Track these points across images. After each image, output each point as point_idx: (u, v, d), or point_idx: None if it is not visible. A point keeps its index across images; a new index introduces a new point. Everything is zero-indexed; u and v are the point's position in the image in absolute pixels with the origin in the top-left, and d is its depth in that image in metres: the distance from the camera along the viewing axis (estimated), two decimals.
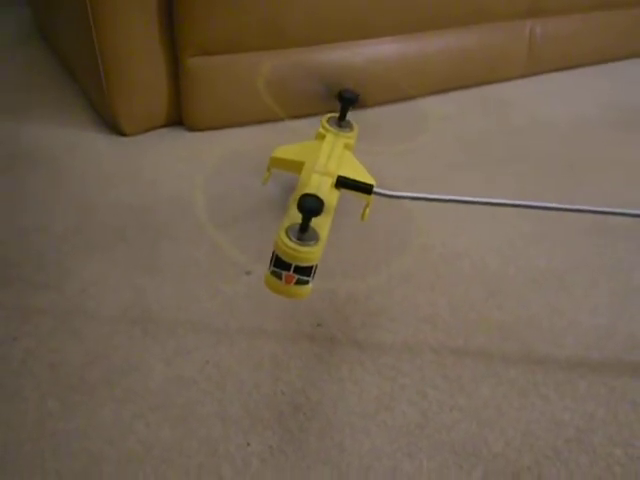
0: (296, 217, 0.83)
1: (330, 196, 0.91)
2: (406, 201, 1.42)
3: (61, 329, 1.09)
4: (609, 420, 1.00)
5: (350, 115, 1.14)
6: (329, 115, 1.06)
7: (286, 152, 1.03)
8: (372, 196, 0.99)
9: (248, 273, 1.22)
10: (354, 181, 0.96)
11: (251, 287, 1.19)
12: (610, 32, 2.15)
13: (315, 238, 0.83)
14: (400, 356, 1.08)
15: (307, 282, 0.84)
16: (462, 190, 1.50)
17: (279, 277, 0.83)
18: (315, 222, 0.83)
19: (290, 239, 0.81)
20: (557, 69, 2.09)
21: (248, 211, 1.39)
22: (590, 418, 1.01)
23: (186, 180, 1.48)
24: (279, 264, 0.82)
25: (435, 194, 1.08)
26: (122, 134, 1.61)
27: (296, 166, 0.98)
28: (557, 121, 1.84)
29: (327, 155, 0.97)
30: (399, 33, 1.81)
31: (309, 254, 0.81)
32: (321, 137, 1.04)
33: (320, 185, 0.91)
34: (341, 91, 1.05)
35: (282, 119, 1.65)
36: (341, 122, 1.07)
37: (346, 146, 1.03)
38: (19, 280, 1.18)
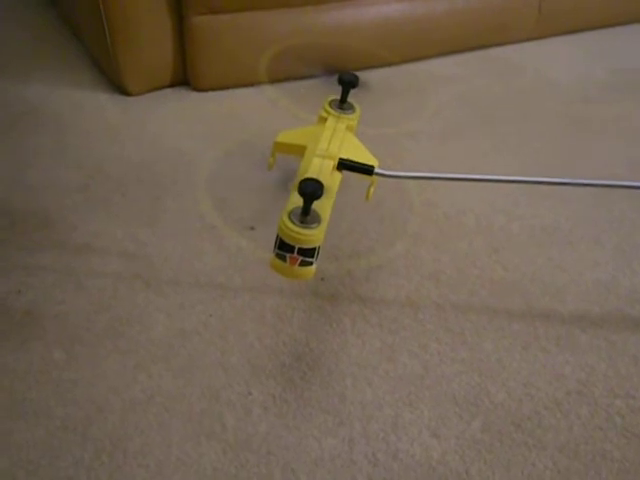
0: (298, 201, 0.83)
1: (332, 178, 0.92)
2: (411, 161, 1.43)
3: (65, 282, 1.10)
4: (610, 373, 1.01)
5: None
6: (331, 98, 1.06)
7: (289, 137, 1.03)
8: (375, 177, 0.99)
9: (252, 228, 1.22)
10: (355, 163, 0.96)
11: (255, 242, 1.19)
12: None
13: (317, 220, 0.84)
14: (402, 310, 1.09)
15: (311, 263, 0.85)
16: (467, 148, 1.51)
17: (284, 259, 0.84)
18: (317, 204, 0.84)
19: (293, 222, 0.82)
20: (565, 32, 2.07)
21: (251, 170, 1.39)
22: (591, 371, 1.01)
23: (190, 138, 1.48)
24: (283, 247, 0.83)
25: (436, 173, 1.09)
26: (127, 94, 1.61)
27: (299, 150, 0.99)
28: (563, 83, 1.83)
29: (328, 138, 0.98)
30: None
31: (311, 236, 0.83)
32: (323, 120, 1.04)
33: (322, 168, 0.91)
34: (341, 74, 1.05)
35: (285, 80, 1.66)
36: (343, 104, 1.07)
37: (348, 128, 1.03)
38: (24, 235, 1.18)
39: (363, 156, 1.00)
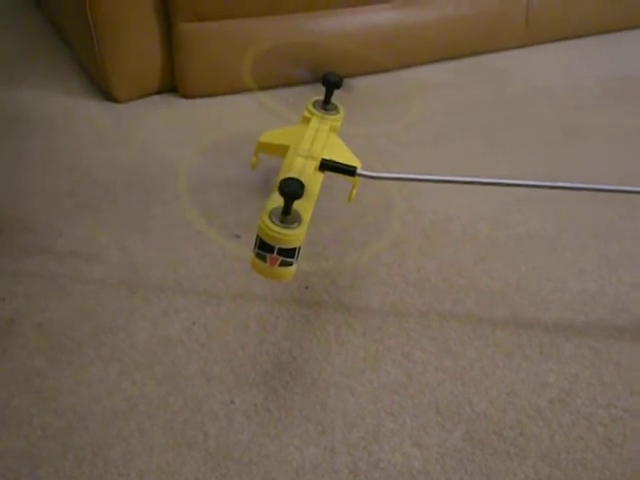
0: (279, 200, 0.83)
1: (314, 179, 0.92)
2: (399, 167, 1.43)
3: (50, 289, 1.10)
4: (593, 381, 1.01)
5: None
6: (315, 98, 1.06)
7: (272, 137, 1.03)
8: (358, 178, 0.99)
9: (237, 236, 1.22)
10: (338, 164, 0.96)
11: (240, 250, 1.19)
12: (608, 2, 2.13)
13: (298, 220, 0.84)
14: (387, 318, 1.09)
15: (291, 264, 0.85)
16: (456, 155, 1.52)
17: (264, 259, 0.84)
18: (298, 204, 0.84)
19: (273, 222, 0.82)
20: (555, 39, 2.08)
21: (239, 177, 1.39)
22: (574, 379, 1.01)
23: (178, 145, 1.48)
24: (263, 247, 0.83)
25: (419, 174, 1.08)
26: (115, 100, 1.61)
27: (282, 150, 0.98)
28: (554, 90, 1.83)
29: (311, 139, 0.97)
30: (395, 0, 1.79)
31: (292, 236, 0.83)
32: (306, 121, 1.04)
33: (304, 168, 0.91)
34: (325, 75, 1.05)
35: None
36: (326, 105, 1.07)
37: (332, 129, 1.03)
38: (9, 242, 1.18)
39: (346, 157, 1.00)
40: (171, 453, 0.87)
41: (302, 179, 0.84)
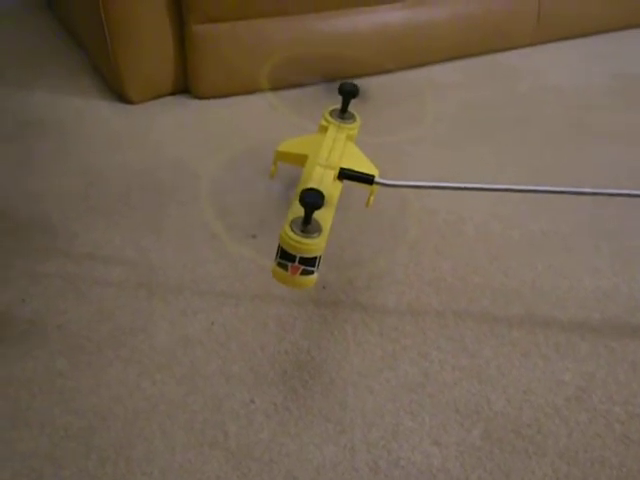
0: (299, 210, 0.84)
1: (332, 188, 0.93)
2: (412, 167, 1.44)
3: (68, 291, 1.11)
4: (609, 380, 1.01)
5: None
6: (331, 107, 1.07)
7: (290, 146, 1.04)
8: (375, 185, 1.00)
9: (254, 236, 1.23)
10: (356, 172, 0.97)
11: (257, 250, 1.20)
12: (618, 0, 2.13)
13: (318, 230, 0.85)
14: (403, 318, 1.09)
15: (312, 272, 0.86)
16: (468, 154, 1.52)
17: (285, 268, 0.85)
18: (318, 214, 0.85)
19: (294, 232, 0.83)
20: (566, 37, 2.08)
21: (254, 177, 1.40)
22: (590, 378, 1.02)
23: (192, 146, 1.49)
24: (284, 256, 0.84)
25: (437, 182, 1.08)
26: (129, 102, 1.62)
27: (300, 159, 1.00)
28: (563, 89, 1.84)
29: (329, 148, 0.98)
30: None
31: (312, 245, 0.84)
32: (323, 129, 1.05)
33: (323, 178, 0.92)
34: (341, 84, 1.06)
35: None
36: (343, 114, 1.08)
37: (348, 137, 1.04)
38: (27, 244, 1.19)
39: (364, 165, 1.00)
40: (193, 452, 0.88)
41: (321, 189, 0.86)
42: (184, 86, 1.68)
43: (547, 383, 1.00)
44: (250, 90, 1.69)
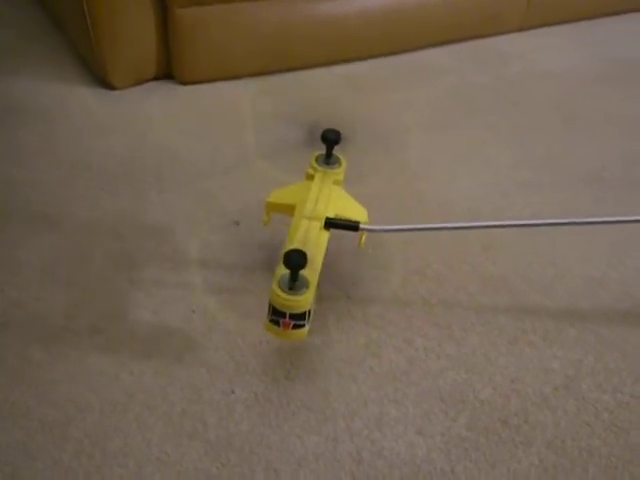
0: (286, 269, 0.87)
1: (319, 238, 0.96)
2: (401, 152, 1.42)
3: (46, 279, 1.09)
4: (598, 367, 1.00)
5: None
6: (317, 154, 1.08)
7: (279, 196, 1.05)
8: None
9: (237, 223, 1.21)
10: (341, 221, 0.99)
11: (239, 237, 1.18)
12: None
13: (306, 285, 0.87)
14: (389, 305, 1.07)
15: (303, 326, 0.88)
16: (458, 139, 1.50)
17: (277, 324, 0.88)
18: (306, 270, 0.87)
19: (282, 290, 0.86)
20: (556, 22, 2.05)
21: (237, 164, 1.38)
22: (579, 365, 1.00)
23: (175, 132, 1.46)
24: (275, 313, 0.87)
25: (423, 224, 1.11)
26: (112, 87, 1.59)
27: (289, 209, 1.02)
28: (553, 74, 1.81)
29: (315, 198, 1.01)
30: None
31: (300, 302, 0.86)
32: (310, 177, 1.07)
33: (308, 231, 0.95)
34: (324, 132, 1.07)
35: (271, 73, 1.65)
36: (328, 160, 1.09)
37: (335, 182, 1.06)
38: (7, 232, 1.17)
39: (351, 210, 1.03)
40: (170, 443, 0.86)
41: (307, 243, 0.91)
42: (168, 71, 1.64)
43: (535, 371, 0.99)
44: (235, 75, 1.66)
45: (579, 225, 1.12)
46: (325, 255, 0.95)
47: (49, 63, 1.72)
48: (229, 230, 1.19)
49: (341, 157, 1.08)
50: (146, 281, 1.09)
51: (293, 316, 0.87)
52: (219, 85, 1.64)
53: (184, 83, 1.64)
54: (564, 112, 1.63)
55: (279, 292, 0.86)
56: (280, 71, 1.70)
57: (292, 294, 0.86)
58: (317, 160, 1.07)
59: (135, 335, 1.00)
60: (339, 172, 1.06)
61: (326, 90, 1.67)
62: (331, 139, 1.05)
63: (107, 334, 1.00)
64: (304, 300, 0.86)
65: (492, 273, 1.14)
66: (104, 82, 1.59)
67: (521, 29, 2.00)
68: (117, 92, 1.59)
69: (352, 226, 0.99)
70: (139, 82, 1.62)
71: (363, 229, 0.99)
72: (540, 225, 1.12)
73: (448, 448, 0.87)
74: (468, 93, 1.70)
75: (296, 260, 0.85)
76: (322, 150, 1.08)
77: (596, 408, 0.94)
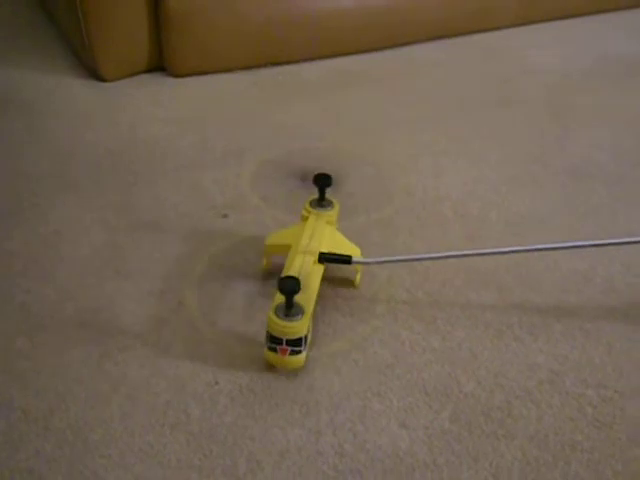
0: (282, 297, 0.91)
1: (313, 271, 1.00)
2: (390, 147, 1.42)
3: (33, 270, 1.09)
4: (583, 362, 1.00)
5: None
6: (311, 198, 1.13)
7: (276, 238, 1.10)
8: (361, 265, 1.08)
9: (225, 216, 1.21)
10: (334, 255, 1.04)
11: (227, 230, 1.18)
12: None
13: (301, 312, 0.91)
14: (375, 299, 1.08)
15: (300, 352, 0.92)
16: (450, 134, 1.50)
17: (275, 351, 0.91)
18: (301, 297, 0.92)
19: (278, 317, 0.90)
20: (548, 19, 2.06)
21: (227, 156, 1.38)
22: (564, 360, 1.00)
23: (165, 125, 1.46)
24: (272, 340, 0.91)
25: (413, 254, 1.15)
26: (102, 79, 1.59)
27: (286, 249, 1.06)
28: (544, 70, 1.82)
29: (309, 235, 1.05)
30: None
31: (296, 328, 0.90)
32: (305, 218, 1.11)
33: (303, 263, 0.99)
34: (315, 176, 1.12)
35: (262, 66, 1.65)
36: (321, 202, 1.13)
37: (328, 222, 1.11)
38: None
39: (344, 247, 1.07)
40: (153, 434, 0.86)
41: (302, 273, 0.96)
42: (159, 63, 1.65)
43: (520, 365, 0.99)
44: (226, 68, 1.66)
45: (579, 248, 1.13)
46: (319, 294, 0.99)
47: (41, 55, 1.72)
48: (217, 223, 1.19)
49: (334, 200, 1.13)
50: (132, 272, 1.09)
51: (290, 342, 0.90)
52: (211, 78, 1.64)
53: (175, 75, 1.64)
54: (554, 108, 1.64)
55: (275, 319, 0.90)
56: (271, 64, 1.70)
57: (288, 320, 0.90)
58: (311, 203, 1.12)
59: (120, 327, 1.00)
60: (332, 214, 1.12)
61: (315, 84, 1.67)
62: (322, 182, 1.11)
63: (93, 325, 1.00)
64: (299, 326, 0.90)
65: (479, 267, 1.14)
66: (95, 74, 1.60)
67: (513, 25, 2.00)
68: (108, 84, 1.59)
69: (344, 260, 1.04)
70: (130, 74, 1.62)
71: (355, 262, 1.04)
72: (541, 250, 1.11)
73: (431, 441, 0.87)
74: (459, 89, 1.70)
75: (289, 286, 0.90)
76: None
77: (580, 403, 0.94)
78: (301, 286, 0.91)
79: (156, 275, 1.09)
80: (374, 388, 0.94)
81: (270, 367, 0.95)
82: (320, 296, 1.03)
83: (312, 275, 0.99)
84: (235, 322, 1.02)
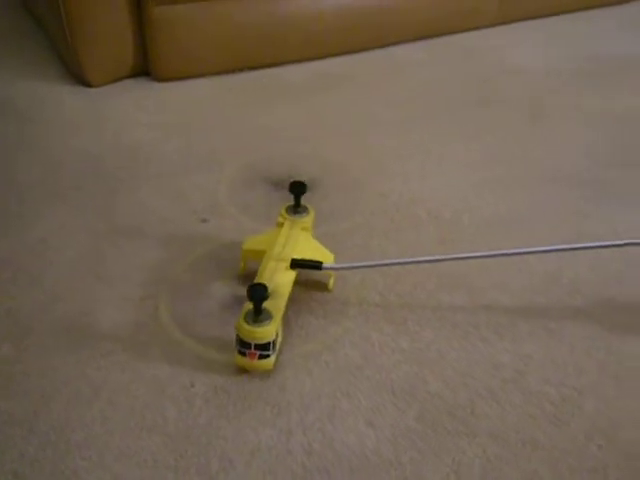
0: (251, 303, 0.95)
1: (286, 277, 1.04)
2: (370, 147, 1.45)
3: (19, 276, 1.13)
4: (546, 362, 1.04)
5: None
6: (287, 204, 1.16)
7: (253, 244, 1.14)
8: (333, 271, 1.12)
9: (205, 221, 1.25)
10: (305, 261, 1.07)
11: (207, 235, 1.22)
12: None
13: (269, 318, 0.95)
14: (347, 301, 1.11)
15: (268, 356, 0.96)
16: (430, 134, 1.54)
17: (244, 355, 0.96)
18: (270, 304, 0.96)
19: (247, 322, 0.94)
20: (529, 17, 2.09)
21: (209, 161, 1.41)
22: (528, 359, 1.04)
23: (149, 130, 1.50)
24: (242, 344, 0.95)
25: (384, 260, 1.18)
26: (88, 85, 1.63)
27: (262, 255, 1.09)
28: (524, 70, 1.85)
29: (283, 242, 1.09)
30: None
31: (263, 333, 0.94)
32: (280, 225, 1.15)
33: (275, 270, 1.04)
34: (291, 184, 1.16)
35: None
36: (297, 209, 1.17)
37: (303, 229, 1.14)
38: None
39: (317, 253, 1.11)
40: (131, 437, 0.90)
41: (273, 280, 1.00)
42: (145, 68, 1.68)
43: (485, 365, 1.02)
44: (211, 72, 1.70)
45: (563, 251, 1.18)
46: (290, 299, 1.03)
47: (29, 61, 1.76)
48: (197, 228, 1.23)
49: (309, 207, 1.17)
50: (114, 278, 1.13)
51: (258, 346, 0.95)
52: (195, 82, 1.68)
53: (160, 80, 1.67)
54: (533, 109, 1.67)
55: (244, 324, 0.94)
56: (256, 67, 1.73)
57: (256, 326, 0.94)
58: (287, 210, 1.15)
59: (102, 332, 1.04)
60: (307, 220, 1.15)
61: (298, 87, 1.71)
62: (297, 189, 1.15)
63: (76, 331, 1.04)
64: (267, 331, 0.95)
65: (451, 269, 1.18)
66: (81, 80, 1.63)
67: (494, 25, 2.03)
68: (94, 90, 1.62)
69: (315, 265, 1.07)
70: (116, 79, 1.65)
71: (325, 268, 1.08)
72: (509, 255, 1.16)
73: (396, 439, 0.92)
74: (439, 89, 1.73)
75: (257, 293, 0.94)
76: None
77: (541, 401, 0.98)
78: (270, 292, 0.95)
79: (136, 280, 1.13)
80: (343, 388, 0.98)
81: (244, 369, 0.99)
82: (294, 300, 1.07)
83: (283, 281, 1.03)
84: (211, 326, 1.05)
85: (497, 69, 1.85)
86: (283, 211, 1.16)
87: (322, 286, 1.14)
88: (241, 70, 1.74)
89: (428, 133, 1.55)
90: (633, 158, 1.51)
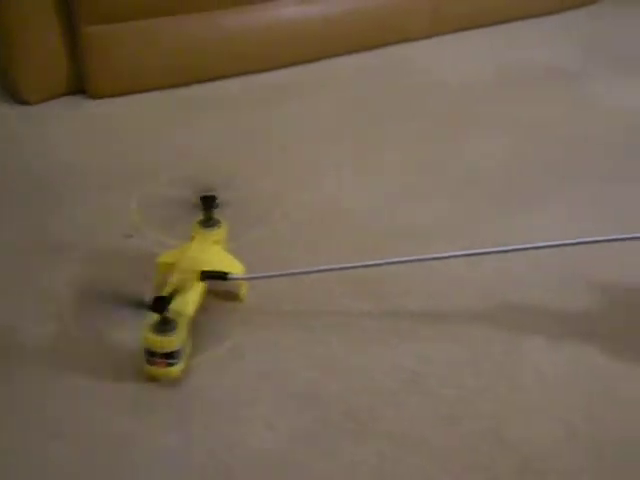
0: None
1: (194, 288, 1.08)
2: (293, 162, 1.50)
3: None
4: (447, 364, 1.09)
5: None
6: (199, 218, 1.20)
7: (167, 257, 1.17)
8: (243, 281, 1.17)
9: (129, 236, 1.29)
10: (212, 272, 1.11)
11: (130, 250, 1.26)
12: None
13: (174, 328, 1.00)
14: (258, 309, 1.17)
15: (176, 363, 1.01)
16: (354, 146, 1.61)
17: (152, 364, 1.00)
18: (176, 314, 1.00)
19: (152, 333, 0.99)
20: (459, 29, 2.15)
21: (138, 177, 1.46)
22: (428, 362, 1.09)
23: (84, 147, 1.54)
24: (149, 354, 1.00)
25: (290, 270, 1.20)
26: (25, 103, 1.66)
27: (174, 268, 1.13)
28: (453, 80, 1.91)
29: (192, 255, 1.13)
30: None
31: (168, 342, 0.99)
32: (193, 238, 1.19)
33: (180, 282, 1.07)
34: (201, 197, 1.19)
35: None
36: (208, 222, 1.20)
37: (215, 242, 1.19)
38: None
39: (228, 265, 1.15)
40: (37, 445, 0.94)
41: (179, 292, 1.03)
42: (80, 86, 1.72)
43: (387, 368, 1.07)
44: (145, 88, 1.74)
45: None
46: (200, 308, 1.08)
47: None
48: (121, 243, 1.28)
49: (222, 220, 1.21)
50: (36, 293, 1.18)
51: (164, 355, 0.99)
52: (131, 99, 1.72)
53: (95, 97, 1.71)
54: (457, 117, 1.74)
55: (149, 335, 0.99)
56: (192, 83, 1.78)
57: (162, 336, 0.99)
58: (199, 224, 1.19)
59: (20, 346, 1.09)
60: (218, 233, 1.19)
61: (235, 101, 1.76)
62: (208, 202, 1.18)
63: None
64: (172, 341, 0.99)
65: (363, 277, 1.23)
66: (16, 97, 1.66)
67: (428, 36, 2.09)
68: (30, 107, 1.67)
69: (220, 276, 1.12)
70: (52, 97, 1.69)
71: (231, 278, 1.12)
72: (417, 261, 1.19)
73: (293, 441, 0.96)
74: (366, 102, 1.79)
75: (159, 305, 0.98)
76: None
77: (436, 402, 1.03)
78: (174, 303, 1.00)
79: (56, 295, 1.17)
80: (248, 394, 1.03)
81: (153, 378, 1.04)
82: (206, 309, 1.12)
83: (190, 292, 1.08)
84: (126, 338, 1.10)
85: (423, 81, 1.92)
86: (195, 225, 1.20)
87: (235, 296, 1.18)
88: (178, 86, 1.78)
89: (352, 146, 1.61)
90: (547, 164, 1.57)
